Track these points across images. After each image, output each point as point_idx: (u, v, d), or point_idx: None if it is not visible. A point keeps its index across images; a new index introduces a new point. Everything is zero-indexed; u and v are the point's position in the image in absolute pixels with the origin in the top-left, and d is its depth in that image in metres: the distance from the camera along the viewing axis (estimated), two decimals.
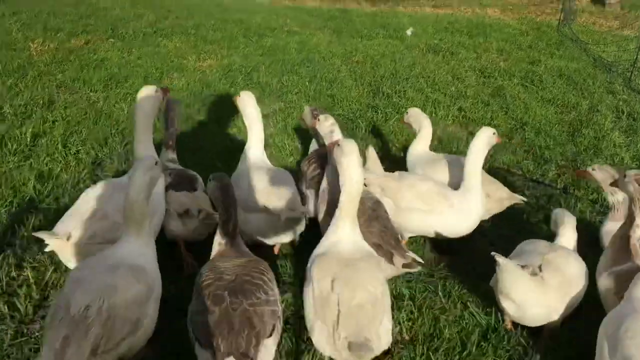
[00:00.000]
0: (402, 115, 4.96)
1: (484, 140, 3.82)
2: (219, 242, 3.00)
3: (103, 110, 5.81)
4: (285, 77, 7.44)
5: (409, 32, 11.27)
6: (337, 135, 3.70)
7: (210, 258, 2.99)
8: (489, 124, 5.87)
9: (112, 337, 2.43)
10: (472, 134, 5.08)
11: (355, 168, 2.94)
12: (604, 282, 3.06)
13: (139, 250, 2.76)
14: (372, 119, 6.18)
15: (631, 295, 2.62)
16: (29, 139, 4.94)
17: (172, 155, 4.13)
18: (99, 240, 3.06)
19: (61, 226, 3.10)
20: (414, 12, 15.61)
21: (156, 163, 2.91)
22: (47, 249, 3.03)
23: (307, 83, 7.26)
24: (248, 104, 4.02)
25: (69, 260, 3.10)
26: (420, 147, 4.52)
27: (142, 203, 2.76)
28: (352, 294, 2.62)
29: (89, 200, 3.26)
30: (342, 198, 2.95)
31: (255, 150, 3.99)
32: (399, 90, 7.14)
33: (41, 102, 5.80)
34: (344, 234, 2.93)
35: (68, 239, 3.01)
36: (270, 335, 2.51)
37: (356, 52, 9.26)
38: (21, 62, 7.02)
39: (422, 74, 8.10)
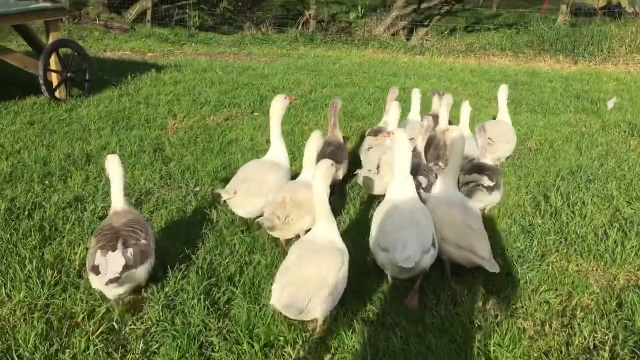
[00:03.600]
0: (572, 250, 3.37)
1: None
2: None
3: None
4: None
5: (610, 103, 9.10)
6: None
7: None
8: None
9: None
10: None
11: None
12: None
13: (331, 235, 3.51)
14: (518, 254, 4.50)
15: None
16: None
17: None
18: (250, 195, 4.39)
19: (229, 186, 4.46)
20: (626, 71, 13.08)
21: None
22: (222, 199, 4.42)
23: None
24: None
25: (237, 208, 4.48)
26: None
27: (326, 199, 3.51)
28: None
29: (245, 171, 4.63)
30: None
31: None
32: (574, 201, 5.33)
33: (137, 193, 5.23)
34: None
35: (235, 194, 4.36)
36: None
37: (531, 134, 7.50)
38: (150, 141, 6.65)
39: (614, 172, 6.13)
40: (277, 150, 4.81)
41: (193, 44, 16.19)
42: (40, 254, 4.05)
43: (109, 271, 3.20)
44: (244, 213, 4.52)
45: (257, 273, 4.01)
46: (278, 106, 4.81)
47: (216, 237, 4.46)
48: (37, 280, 3.69)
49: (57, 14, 8.32)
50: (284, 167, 4.74)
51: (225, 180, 5.63)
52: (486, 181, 4.75)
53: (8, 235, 4.21)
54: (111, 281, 3.17)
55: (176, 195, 5.25)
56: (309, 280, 3.21)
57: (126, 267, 3.26)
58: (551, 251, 4.43)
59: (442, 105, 5.89)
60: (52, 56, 8.06)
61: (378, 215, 3.85)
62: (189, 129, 7.29)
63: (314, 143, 4.49)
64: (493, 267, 3.69)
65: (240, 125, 7.57)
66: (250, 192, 4.39)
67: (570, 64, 14.39)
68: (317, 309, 3.22)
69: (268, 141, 6.82)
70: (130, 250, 3.34)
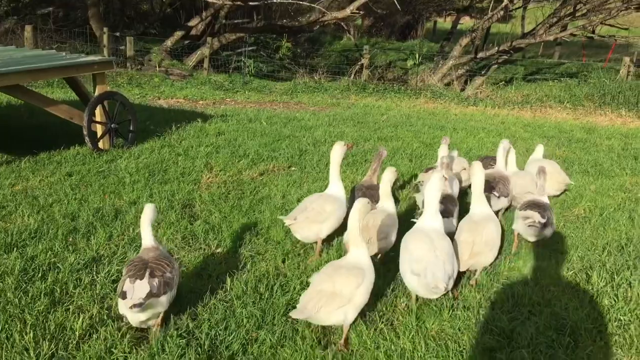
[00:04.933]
0: None
1: None
2: None
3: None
4: None
5: None
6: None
7: None
8: None
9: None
10: None
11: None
12: None
13: (359, 258, 4.08)
14: None
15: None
16: None
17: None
18: (309, 222, 5.15)
19: (291, 214, 5.24)
20: None
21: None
22: (286, 224, 5.19)
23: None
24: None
25: (296, 232, 5.26)
26: None
27: (358, 229, 4.11)
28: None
29: (305, 202, 5.39)
30: None
31: None
32: (620, 282, 4.85)
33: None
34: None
35: (295, 219, 5.13)
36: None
37: (581, 199, 7.03)
38: (181, 196, 6.62)
39: None
40: (335, 187, 5.52)
41: (246, 92, 16.46)
42: (44, 320, 3.97)
43: (134, 297, 3.62)
44: (302, 237, 5.33)
45: (261, 353, 3.78)
46: (337, 151, 5.53)
47: (225, 308, 4.28)
48: (33, 353, 3.59)
49: (105, 66, 8.57)
50: (341, 199, 5.44)
51: (248, 241, 5.50)
52: (537, 217, 5.30)
53: (17, 300, 4.17)
54: (135, 306, 3.58)
55: (195, 258, 5.13)
56: (321, 293, 3.81)
57: (150, 295, 3.66)
58: (586, 343, 3.99)
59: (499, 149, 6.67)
60: (98, 107, 8.28)
61: (408, 242, 4.46)
62: (223, 183, 7.24)
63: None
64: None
65: (274, 181, 7.47)
66: (309, 219, 5.15)
67: (633, 119, 13.71)
68: (331, 316, 3.80)
69: (300, 199, 6.74)
70: (156, 280, 3.75)
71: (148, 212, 4.17)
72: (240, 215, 6.18)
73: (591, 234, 6.00)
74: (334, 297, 3.79)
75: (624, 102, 14.81)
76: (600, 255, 5.42)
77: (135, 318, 3.77)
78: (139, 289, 3.67)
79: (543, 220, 5.29)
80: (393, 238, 5.09)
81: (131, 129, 8.79)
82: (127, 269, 3.87)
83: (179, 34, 22.10)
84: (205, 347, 3.78)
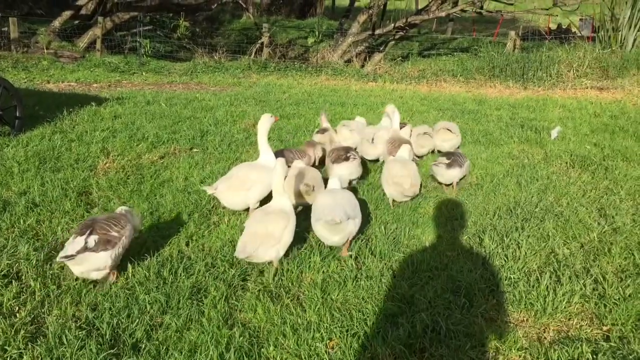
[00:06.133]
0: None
1: None
2: None
3: None
4: None
5: (554, 132, 9.13)
6: None
7: None
8: None
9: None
10: None
11: None
12: None
13: (283, 205, 4.77)
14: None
15: None
16: None
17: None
18: (232, 190, 5.49)
19: (215, 184, 5.59)
20: (573, 97, 13.26)
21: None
22: (208, 192, 5.57)
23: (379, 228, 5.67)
24: None
25: (222, 200, 5.58)
26: None
27: (280, 181, 4.79)
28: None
29: (231, 171, 5.72)
30: None
31: None
32: (509, 243, 5.20)
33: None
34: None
35: (215, 189, 5.49)
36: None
37: (473, 167, 7.42)
38: (76, 184, 6.31)
39: (552, 208, 6.05)
40: (265, 156, 5.79)
41: (143, 73, 15.88)
42: None
43: (68, 250, 4.01)
44: (228, 205, 5.62)
45: (167, 338, 3.73)
46: (264, 123, 5.86)
47: (127, 296, 4.17)
48: None
49: None
50: (269, 167, 5.52)
51: (149, 227, 5.37)
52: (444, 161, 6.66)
53: None
54: (65, 257, 3.98)
55: None
56: (256, 234, 4.46)
57: (84, 250, 4.04)
58: (480, 302, 4.25)
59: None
60: None
61: (316, 200, 5.11)
62: (121, 169, 6.98)
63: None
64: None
65: (176, 163, 7.30)
66: (232, 187, 5.48)
67: (519, 90, 14.55)
68: (267, 254, 4.49)
69: (202, 181, 6.64)
70: (94, 237, 4.12)
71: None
72: (140, 200, 6.00)
73: (483, 199, 6.36)
74: (268, 237, 4.48)
75: (511, 74, 15.68)
76: (491, 219, 5.77)
77: (75, 270, 4.17)
78: (76, 243, 4.09)
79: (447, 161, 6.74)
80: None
81: (17, 115, 8.24)
82: (77, 227, 4.42)
83: (67, 13, 20.81)
84: (107, 336, 3.67)
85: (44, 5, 25.54)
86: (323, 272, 4.63)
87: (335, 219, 4.66)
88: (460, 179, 6.84)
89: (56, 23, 20.25)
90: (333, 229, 4.77)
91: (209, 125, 9.25)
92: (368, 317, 4.05)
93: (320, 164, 7.27)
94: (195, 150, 8.00)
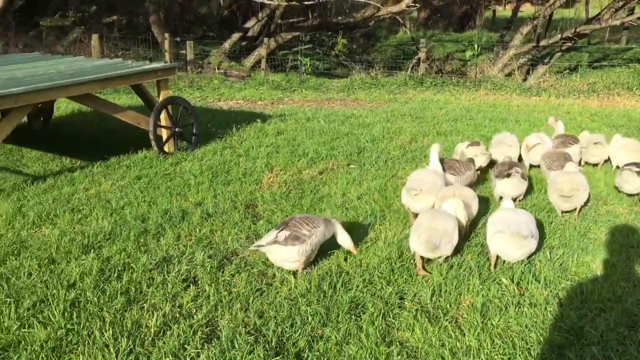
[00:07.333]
0: None
1: None
2: None
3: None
4: None
5: None
6: None
7: None
8: None
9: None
10: None
11: None
12: None
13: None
14: None
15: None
16: None
17: None
18: (415, 192, 5.82)
19: (409, 186, 5.93)
20: None
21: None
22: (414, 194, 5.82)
23: None
24: None
25: (410, 206, 5.96)
26: None
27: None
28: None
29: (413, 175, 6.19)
30: None
31: None
32: None
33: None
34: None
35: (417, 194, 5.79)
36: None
37: None
38: (244, 197, 6.79)
39: None
40: (434, 165, 6.41)
41: (303, 90, 16.60)
42: (121, 318, 4.18)
43: (262, 241, 4.80)
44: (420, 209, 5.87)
45: (327, 350, 3.86)
46: (436, 148, 6.46)
47: (290, 306, 4.38)
48: (113, 349, 3.80)
49: (168, 73, 8.89)
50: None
51: None
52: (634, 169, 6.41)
53: (95, 299, 4.41)
54: (257, 246, 4.79)
55: (260, 257, 5.26)
56: (437, 229, 4.81)
57: (273, 242, 4.70)
58: None
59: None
60: (162, 113, 8.59)
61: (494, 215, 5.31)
62: (284, 183, 7.37)
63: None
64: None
65: (334, 179, 7.54)
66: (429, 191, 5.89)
67: None
68: (445, 248, 4.83)
69: (359, 197, 6.79)
70: (286, 233, 4.72)
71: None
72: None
73: None
74: (445, 234, 4.86)
75: None
76: None
77: (269, 257, 4.86)
78: (269, 236, 4.81)
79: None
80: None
81: (194, 132, 9.06)
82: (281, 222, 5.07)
83: (236, 35, 22.52)
84: (273, 343, 3.89)
85: (216, 28, 27.83)
86: (483, 295, 4.50)
87: (522, 232, 4.74)
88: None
89: (226, 45, 21.97)
90: (518, 243, 4.79)
91: (366, 142, 9.43)
92: (532, 346, 3.86)
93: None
94: (352, 166, 8.19)
